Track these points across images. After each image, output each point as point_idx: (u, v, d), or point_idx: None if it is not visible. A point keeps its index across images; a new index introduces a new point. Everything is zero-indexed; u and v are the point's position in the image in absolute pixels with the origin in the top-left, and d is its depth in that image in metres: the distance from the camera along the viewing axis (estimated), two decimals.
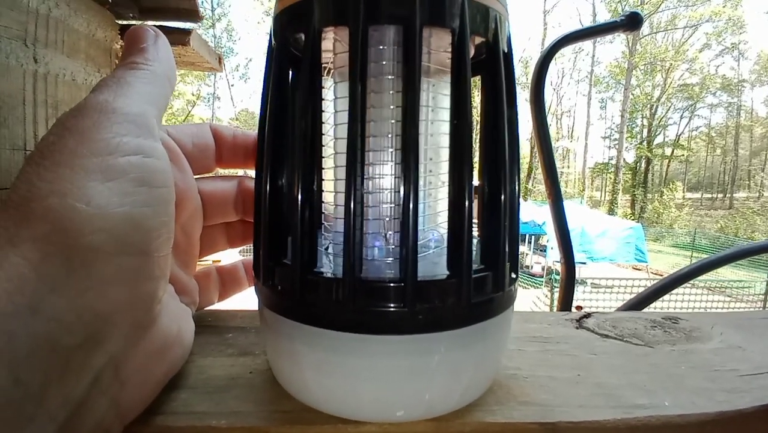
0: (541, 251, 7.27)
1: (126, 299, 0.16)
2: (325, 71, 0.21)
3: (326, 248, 0.20)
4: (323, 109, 0.21)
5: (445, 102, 0.20)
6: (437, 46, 0.20)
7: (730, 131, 24.16)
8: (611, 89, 23.81)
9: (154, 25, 0.39)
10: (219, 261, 0.31)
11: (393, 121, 0.19)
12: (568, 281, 0.36)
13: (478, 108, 0.21)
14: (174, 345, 0.19)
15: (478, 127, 0.21)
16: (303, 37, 0.18)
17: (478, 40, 0.20)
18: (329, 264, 0.19)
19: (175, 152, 0.23)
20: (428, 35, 0.19)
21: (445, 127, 0.20)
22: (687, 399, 0.20)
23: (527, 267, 7.39)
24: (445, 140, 0.20)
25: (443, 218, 0.19)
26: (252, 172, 0.27)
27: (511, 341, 0.26)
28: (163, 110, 0.20)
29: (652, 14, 19.43)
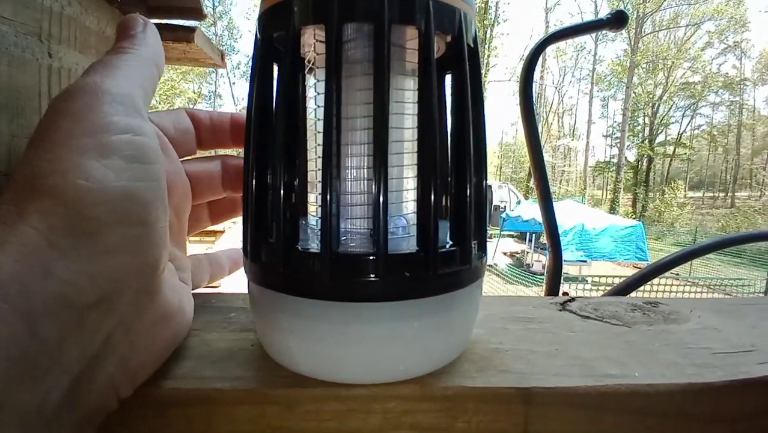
0: (541, 249, 7.27)
1: (132, 266, 0.17)
2: (309, 69, 0.22)
3: (313, 226, 0.21)
4: (308, 103, 0.22)
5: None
6: (412, 47, 0.21)
7: (732, 130, 24.12)
8: (613, 87, 23.80)
9: (160, 23, 0.40)
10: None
11: (367, 115, 0.20)
12: (555, 269, 0.38)
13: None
14: (177, 315, 0.20)
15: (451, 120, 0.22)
16: (284, 34, 0.19)
17: (446, 38, 0.21)
18: (315, 241, 0.21)
19: (161, 138, 0.24)
20: (403, 36, 0.21)
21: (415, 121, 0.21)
22: (657, 371, 0.22)
23: (527, 265, 7.40)
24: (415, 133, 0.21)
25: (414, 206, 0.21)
26: (229, 152, 0.29)
27: (496, 320, 0.28)
28: (151, 93, 0.21)
29: (655, 12, 19.38)
